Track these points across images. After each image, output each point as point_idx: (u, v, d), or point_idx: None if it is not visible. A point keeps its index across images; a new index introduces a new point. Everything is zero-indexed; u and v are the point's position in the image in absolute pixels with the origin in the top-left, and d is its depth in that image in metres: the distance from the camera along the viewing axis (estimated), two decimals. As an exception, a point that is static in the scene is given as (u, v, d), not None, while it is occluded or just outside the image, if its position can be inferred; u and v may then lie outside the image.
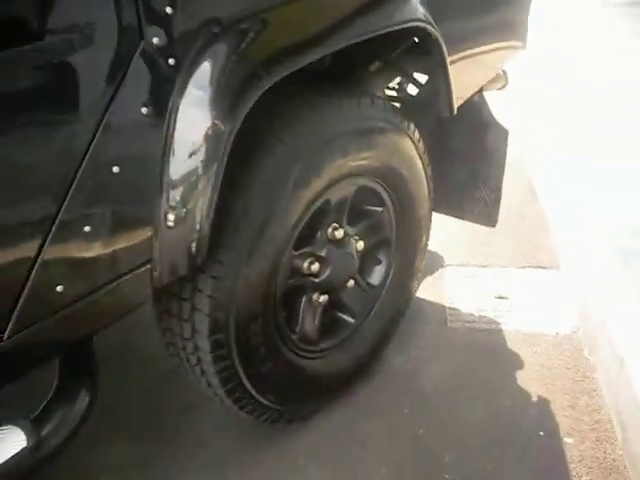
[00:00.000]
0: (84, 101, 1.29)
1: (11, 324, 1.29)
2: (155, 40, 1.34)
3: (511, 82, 2.64)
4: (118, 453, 2.08)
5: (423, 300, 2.70)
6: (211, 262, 1.61)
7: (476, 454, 2.05)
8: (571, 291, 2.72)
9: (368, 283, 2.20)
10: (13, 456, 1.37)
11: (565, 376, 2.32)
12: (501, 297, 2.75)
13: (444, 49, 1.96)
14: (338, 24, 1.69)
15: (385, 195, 2.09)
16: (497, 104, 2.68)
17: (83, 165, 1.30)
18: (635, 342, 2.12)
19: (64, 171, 1.29)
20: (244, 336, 1.77)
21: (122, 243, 1.41)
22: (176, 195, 1.45)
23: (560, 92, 3.85)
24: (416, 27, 1.87)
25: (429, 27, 1.89)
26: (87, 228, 1.34)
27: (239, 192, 1.63)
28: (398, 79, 2.47)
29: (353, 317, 2.18)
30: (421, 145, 2.14)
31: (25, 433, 1.39)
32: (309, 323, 2.01)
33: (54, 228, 1.29)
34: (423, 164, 2.17)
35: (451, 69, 2.03)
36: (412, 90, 2.45)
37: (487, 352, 2.45)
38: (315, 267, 1.94)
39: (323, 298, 2.02)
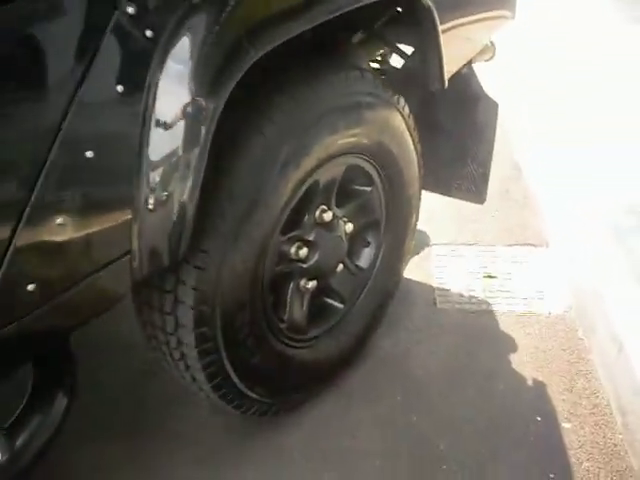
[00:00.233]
0: (52, 79, 1.16)
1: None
2: (130, 10, 1.20)
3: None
4: (102, 452, 1.95)
5: (410, 281, 2.61)
6: (195, 251, 1.50)
7: (472, 441, 1.98)
8: (561, 269, 2.65)
9: (357, 266, 2.11)
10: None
11: (560, 358, 2.25)
12: (490, 276, 2.67)
13: (436, 18, 1.84)
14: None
15: (374, 174, 1.99)
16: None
17: (53, 149, 1.17)
18: (634, 325, 2.06)
19: (32, 157, 1.16)
20: (231, 328, 1.66)
21: (99, 234, 1.29)
22: (156, 177, 1.32)
23: (546, 78, 3.75)
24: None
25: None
26: (60, 219, 1.21)
27: (224, 175, 1.51)
28: (381, 51, 2.37)
29: (342, 302, 2.08)
30: (411, 120, 2.03)
31: (-4, 446, 1.27)
32: (297, 311, 1.91)
33: (23, 220, 1.16)
34: (413, 140, 2.06)
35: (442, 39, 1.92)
36: (396, 62, 2.34)
37: (478, 334, 2.38)
38: (303, 252, 1.83)
39: (311, 284, 1.92)
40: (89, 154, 1.21)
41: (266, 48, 1.41)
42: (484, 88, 2.41)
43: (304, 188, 1.74)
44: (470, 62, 2.37)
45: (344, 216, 1.96)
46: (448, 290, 2.59)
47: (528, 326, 2.40)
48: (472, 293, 2.57)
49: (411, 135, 2.04)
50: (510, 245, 2.86)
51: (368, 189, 2.01)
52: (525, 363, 2.24)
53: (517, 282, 2.63)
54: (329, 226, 1.90)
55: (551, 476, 1.88)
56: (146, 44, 1.25)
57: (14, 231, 1.15)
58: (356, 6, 1.62)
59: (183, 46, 1.29)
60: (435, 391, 2.15)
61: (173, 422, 2.06)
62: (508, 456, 1.93)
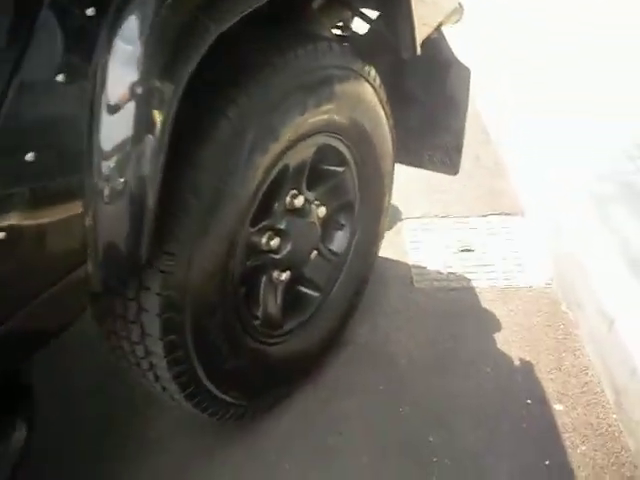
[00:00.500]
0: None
1: None
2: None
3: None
4: (70, 462, 1.80)
5: (385, 259, 2.47)
6: (158, 253, 1.34)
7: (463, 432, 1.88)
8: (539, 239, 2.55)
9: (331, 251, 1.97)
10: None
11: (546, 335, 2.16)
12: (467, 249, 2.56)
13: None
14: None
15: (347, 153, 1.84)
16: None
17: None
18: (624, 300, 1.97)
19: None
20: (202, 333, 1.52)
21: (48, 248, 1.12)
22: (110, 164, 1.15)
23: (528, 48, 3.60)
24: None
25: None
26: (1, 234, 1.04)
27: (187, 165, 1.34)
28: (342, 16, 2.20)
29: (318, 290, 1.95)
30: (383, 92, 1.88)
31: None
32: (272, 305, 1.77)
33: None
34: (386, 114, 1.92)
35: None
36: (359, 29, 2.18)
37: (459, 314, 2.27)
38: (275, 242, 1.69)
39: (285, 275, 1.78)
40: (29, 156, 1.04)
41: (229, 22, 1.24)
42: (455, 53, 2.26)
43: (273, 173, 1.58)
44: (440, 25, 2.21)
45: (316, 199, 1.82)
46: (425, 268, 2.48)
47: (510, 302, 2.30)
48: (450, 269, 2.46)
49: (383, 108, 1.90)
50: (484, 215, 2.75)
51: (341, 169, 1.87)
52: (510, 342, 2.14)
53: (495, 255, 2.53)
54: (301, 212, 1.76)
55: (547, 463, 1.80)
56: (88, 24, 1.07)
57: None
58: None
59: (131, 24, 1.12)
60: (420, 380, 2.04)
61: (143, 426, 1.91)
62: (501, 446, 1.84)
